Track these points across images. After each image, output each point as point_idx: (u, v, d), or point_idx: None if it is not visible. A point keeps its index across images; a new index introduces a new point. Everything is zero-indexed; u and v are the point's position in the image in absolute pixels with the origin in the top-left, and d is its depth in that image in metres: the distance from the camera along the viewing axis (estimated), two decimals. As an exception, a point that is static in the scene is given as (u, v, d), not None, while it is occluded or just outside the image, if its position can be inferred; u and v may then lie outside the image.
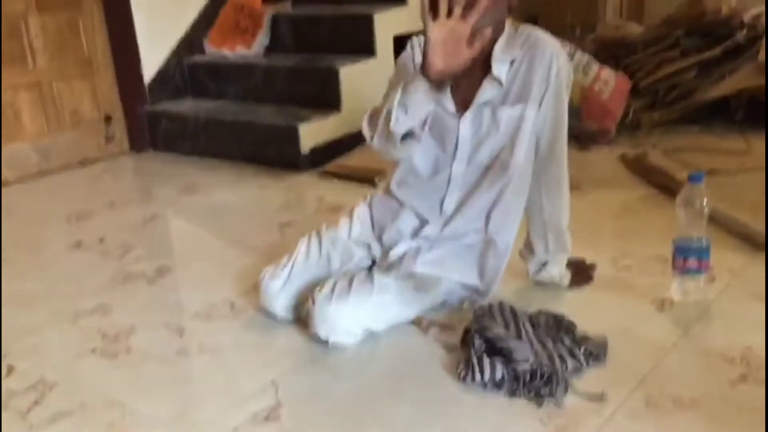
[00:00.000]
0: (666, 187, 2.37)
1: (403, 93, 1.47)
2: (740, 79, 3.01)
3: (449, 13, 1.39)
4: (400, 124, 1.48)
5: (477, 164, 1.66)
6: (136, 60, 3.37)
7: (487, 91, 1.60)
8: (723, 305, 1.69)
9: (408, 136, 1.53)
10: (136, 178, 3.26)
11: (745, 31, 3.10)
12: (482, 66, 1.60)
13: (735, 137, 2.90)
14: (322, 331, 1.61)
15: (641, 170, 2.59)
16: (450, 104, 1.64)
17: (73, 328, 1.84)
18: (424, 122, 1.55)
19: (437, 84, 1.46)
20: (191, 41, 3.57)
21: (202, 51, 3.60)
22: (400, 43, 3.16)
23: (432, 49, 1.41)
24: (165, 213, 2.71)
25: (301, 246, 1.79)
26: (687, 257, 1.65)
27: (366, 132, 1.59)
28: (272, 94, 3.31)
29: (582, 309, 1.70)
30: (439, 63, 1.42)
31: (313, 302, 1.62)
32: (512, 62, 1.59)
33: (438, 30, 1.40)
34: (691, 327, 1.61)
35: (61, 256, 2.32)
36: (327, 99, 3.12)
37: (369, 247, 1.81)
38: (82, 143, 3.32)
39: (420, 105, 1.48)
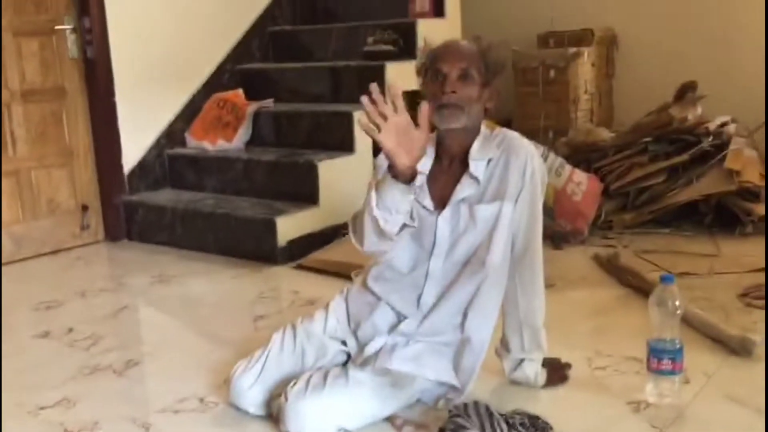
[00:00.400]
0: (639, 287, 2.40)
1: (380, 197, 1.51)
2: (708, 184, 3.10)
3: (383, 116, 1.44)
4: (390, 224, 1.53)
5: (455, 260, 1.67)
6: (117, 150, 3.41)
7: (464, 189, 1.64)
8: (698, 408, 1.68)
9: (402, 227, 1.56)
10: (109, 268, 3.23)
11: (711, 139, 3.23)
12: (460, 165, 1.65)
13: (704, 240, 2.97)
14: (294, 428, 1.56)
15: (614, 270, 2.62)
16: (428, 201, 1.67)
17: (34, 420, 1.78)
18: (412, 212, 1.58)
19: (411, 178, 1.50)
20: (173, 133, 3.63)
21: (183, 143, 3.65)
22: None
23: (393, 155, 1.47)
24: (137, 303, 2.67)
25: (275, 340, 1.77)
26: (661, 358, 1.65)
27: (355, 241, 1.62)
28: (251, 188, 3.35)
29: (557, 409, 1.68)
30: (404, 160, 1.47)
31: (286, 398, 1.58)
32: (489, 161, 1.64)
33: (386, 137, 1.46)
34: (666, 429, 1.60)
35: (26, 345, 2.27)
36: (305, 193, 3.16)
37: (344, 342, 1.79)
38: (56, 232, 3.30)
39: (401, 201, 1.51)
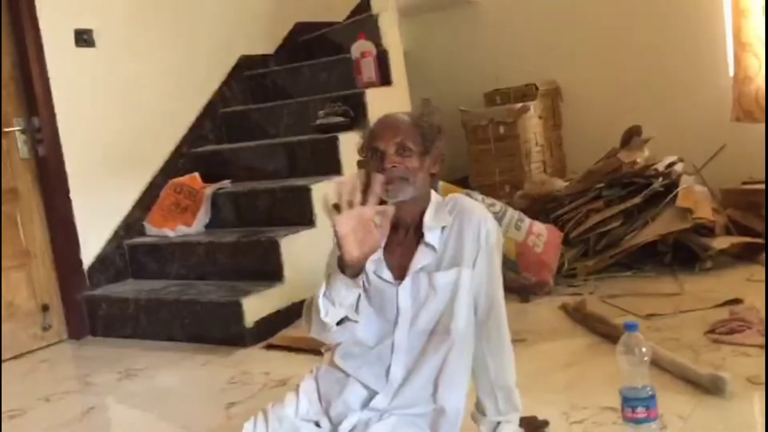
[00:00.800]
0: (608, 334, 2.41)
1: (327, 286, 1.52)
2: (663, 224, 3.17)
3: (350, 203, 1.46)
4: (330, 316, 1.53)
5: (419, 330, 1.67)
6: (75, 246, 3.37)
7: (422, 258, 1.65)
8: (678, 453, 1.68)
9: (343, 320, 1.55)
10: (74, 368, 3.14)
11: (661, 180, 3.32)
12: (415, 235, 1.66)
13: (667, 279, 3.02)
14: None
15: (582, 318, 2.64)
16: (386, 273, 1.67)
17: None
18: (356, 306, 1.58)
19: (357, 271, 1.51)
20: (131, 223, 3.61)
21: (142, 232, 3.62)
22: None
23: (343, 242, 1.47)
24: (104, 402, 2.60)
25: (247, 429, 1.72)
26: (635, 407, 1.64)
27: (305, 324, 1.62)
28: (214, 270, 3.32)
29: (539, 470, 1.66)
30: (354, 252, 1.48)
31: (262, 490, 1.54)
32: (443, 229, 1.66)
33: (344, 222, 1.46)
34: (650, 479, 1.59)
35: (-10, 460, 2.18)
36: (269, 271, 3.14)
37: (317, 423, 1.75)
38: (16, 335, 3.22)
39: (345, 296, 1.52)
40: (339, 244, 1.48)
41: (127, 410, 2.57)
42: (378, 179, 1.50)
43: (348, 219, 1.46)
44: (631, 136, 3.60)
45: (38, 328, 3.30)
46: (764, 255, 3.00)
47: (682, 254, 3.14)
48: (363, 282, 1.58)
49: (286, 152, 3.69)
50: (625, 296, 2.86)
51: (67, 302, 3.38)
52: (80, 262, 3.39)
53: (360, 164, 1.54)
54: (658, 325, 2.49)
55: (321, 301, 1.52)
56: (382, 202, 1.60)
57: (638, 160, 3.44)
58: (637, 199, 3.26)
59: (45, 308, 3.32)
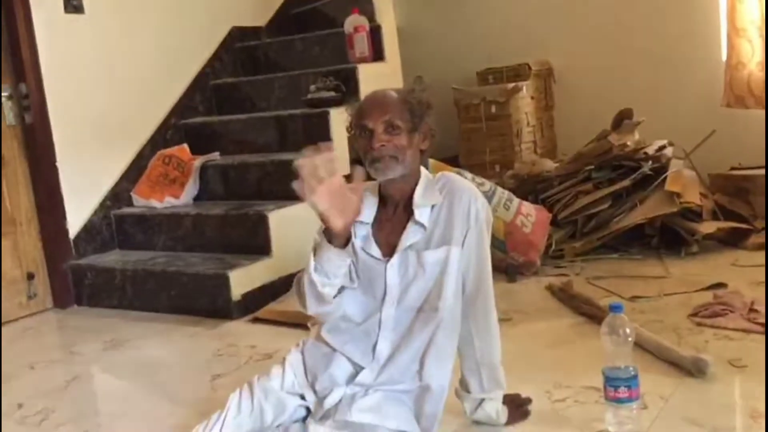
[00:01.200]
0: (592, 315, 2.43)
1: (317, 260, 1.54)
2: (651, 207, 3.18)
3: (317, 179, 1.47)
4: (327, 288, 1.55)
5: (407, 307, 1.67)
6: (61, 215, 3.34)
7: (411, 236, 1.65)
8: (658, 432, 1.70)
9: (340, 290, 1.58)
10: (58, 337, 3.14)
11: (650, 163, 3.32)
12: (404, 211, 1.66)
13: (653, 262, 3.04)
14: (256, 491, 1.53)
15: (568, 299, 2.65)
16: (375, 250, 1.67)
17: (-17, 508, 1.70)
18: (350, 273, 1.58)
19: (345, 240, 1.53)
20: (119, 193, 3.59)
21: (129, 203, 3.60)
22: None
23: (326, 216, 1.49)
24: (89, 372, 2.60)
25: (232, 400, 1.73)
26: (617, 387, 1.66)
27: (299, 304, 1.64)
28: (202, 243, 3.31)
29: (521, 447, 1.68)
30: (338, 222, 1.50)
31: (246, 461, 1.55)
32: (433, 207, 1.65)
33: (319, 198, 1.47)
34: (629, 458, 1.61)
35: (-27, 426, 2.18)
36: (257, 244, 3.13)
37: (303, 396, 1.76)
38: (2, 303, 3.20)
39: (339, 266, 1.54)
40: (322, 219, 1.50)
41: (112, 380, 2.57)
42: (358, 171, 1.52)
43: (321, 195, 1.47)
44: (622, 119, 3.61)
45: (24, 297, 3.28)
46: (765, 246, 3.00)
47: (669, 238, 3.15)
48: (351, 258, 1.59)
49: (276, 126, 3.67)
50: (611, 278, 2.88)
51: (53, 271, 3.36)
52: (66, 232, 3.37)
53: (350, 141, 1.55)
54: (643, 307, 2.51)
55: (315, 276, 1.53)
56: (369, 178, 1.60)
57: (628, 143, 3.45)
58: (626, 182, 3.27)
59: (30, 277, 3.31)
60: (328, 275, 1.55)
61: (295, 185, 1.49)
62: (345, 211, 1.50)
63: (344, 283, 1.59)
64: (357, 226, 1.69)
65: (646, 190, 3.25)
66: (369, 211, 1.69)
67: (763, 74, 3.44)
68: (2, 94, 3.22)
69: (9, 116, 3.25)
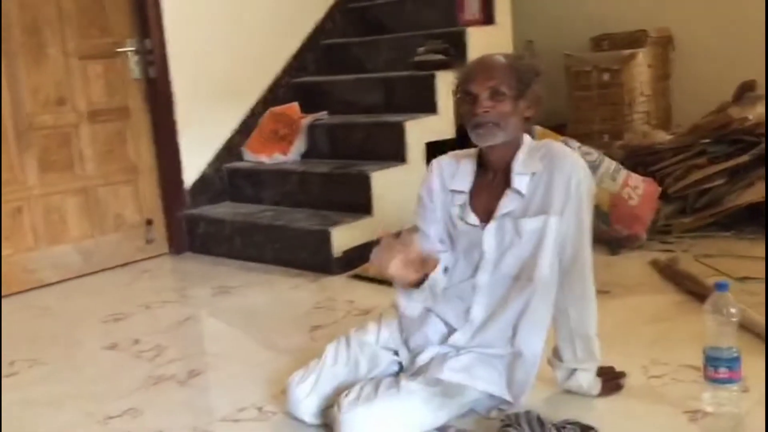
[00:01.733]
0: (697, 293, 2.35)
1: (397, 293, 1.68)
2: (770, 185, 3.02)
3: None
4: (409, 310, 1.71)
5: (502, 274, 1.68)
6: (178, 166, 3.53)
7: (508, 203, 1.65)
8: (757, 417, 1.64)
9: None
10: (172, 280, 3.34)
11: (772, 138, 3.14)
12: (504, 178, 1.66)
13: (767, 243, 2.89)
14: (348, 437, 1.60)
15: (672, 276, 2.58)
16: (472, 218, 1.69)
17: (102, 429, 1.86)
18: (433, 291, 1.67)
19: (421, 281, 1.63)
20: (231, 148, 3.74)
21: (240, 158, 3.75)
22: (431, 150, 3.29)
23: (397, 279, 1.61)
24: (199, 314, 2.76)
25: (329, 351, 1.81)
26: (717, 367, 1.62)
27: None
28: (306, 199, 3.41)
29: (612, 419, 1.67)
30: (412, 278, 1.62)
31: (339, 408, 1.62)
32: (533, 175, 1.65)
33: (393, 267, 1.58)
34: (725, 440, 1.57)
35: (95, 356, 2.37)
36: (359, 204, 3.20)
37: (396, 352, 1.82)
38: (123, 246, 3.43)
39: (418, 297, 1.66)
40: (396, 281, 1.62)
41: (218, 323, 2.73)
42: (408, 240, 1.58)
43: (395, 265, 1.57)
44: (744, 91, 3.42)
45: (142, 241, 3.51)
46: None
47: (788, 219, 2.99)
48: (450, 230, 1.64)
49: (383, 87, 3.70)
50: (721, 257, 2.76)
51: (169, 219, 3.56)
52: (182, 182, 3.56)
53: (455, 104, 1.57)
54: (753, 288, 2.40)
55: (399, 298, 1.66)
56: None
57: (749, 117, 3.26)
58: (744, 158, 3.11)
59: (149, 222, 3.52)
60: (409, 300, 1.66)
61: (373, 256, 1.57)
62: (424, 266, 1.59)
63: (426, 305, 1.70)
64: (455, 195, 1.72)
65: (765, 168, 3.08)
66: (466, 179, 1.71)
67: None
68: (129, 48, 3.41)
69: (135, 70, 3.44)
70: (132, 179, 3.47)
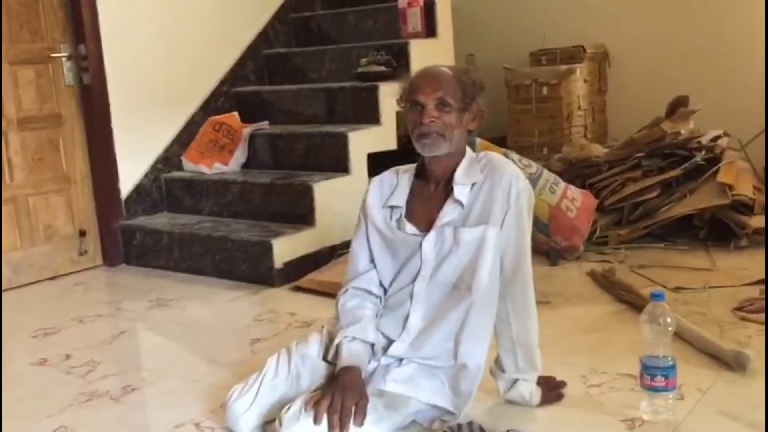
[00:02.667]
0: (633, 303, 2.41)
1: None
2: (701, 198, 3.12)
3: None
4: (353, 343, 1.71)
5: (440, 283, 1.69)
6: (114, 175, 3.43)
7: (449, 213, 1.66)
8: (692, 424, 1.68)
9: None
10: (107, 293, 3.23)
11: (703, 153, 3.25)
12: (445, 188, 1.67)
13: (700, 254, 2.98)
14: (289, 452, 1.57)
15: (609, 286, 2.63)
16: (411, 228, 1.69)
17: (31, 450, 1.78)
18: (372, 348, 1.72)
19: None
20: (170, 157, 3.66)
21: (180, 167, 3.67)
22: (374, 161, 3.29)
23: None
24: (134, 328, 2.68)
25: (270, 364, 1.77)
26: (654, 375, 1.66)
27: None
28: (247, 210, 3.36)
29: (552, 428, 1.69)
30: None
31: (280, 423, 1.59)
32: (473, 185, 1.66)
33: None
34: (662, 447, 1.60)
35: (24, 372, 2.27)
36: (301, 214, 3.17)
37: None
38: (54, 258, 3.31)
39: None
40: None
41: (155, 338, 2.65)
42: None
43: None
44: (677, 107, 3.53)
45: (75, 253, 3.39)
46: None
47: (718, 230, 3.09)
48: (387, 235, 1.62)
49: (326, 98, 3.69)
50: (655, 267, 2.84)
51: (104, 230, 3.46)
52: (118, 191, 3.46)
53: (398, 114, 1.57)
54: (686, 298, 2.48)
55: (340, 337, 1.69)
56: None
57: (682, 131, 3.38)
58: (677, 171, 3.21)
59: (82, 233, 3.41)
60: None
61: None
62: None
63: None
64: (393, 210, 1.72)
65: (697, 181, 3.18)
66: (404, 192, 1.72)
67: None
68: (62, 54, 3.30)
69: (68, 76, 3.33)
70: (64, 189, 3.35)
